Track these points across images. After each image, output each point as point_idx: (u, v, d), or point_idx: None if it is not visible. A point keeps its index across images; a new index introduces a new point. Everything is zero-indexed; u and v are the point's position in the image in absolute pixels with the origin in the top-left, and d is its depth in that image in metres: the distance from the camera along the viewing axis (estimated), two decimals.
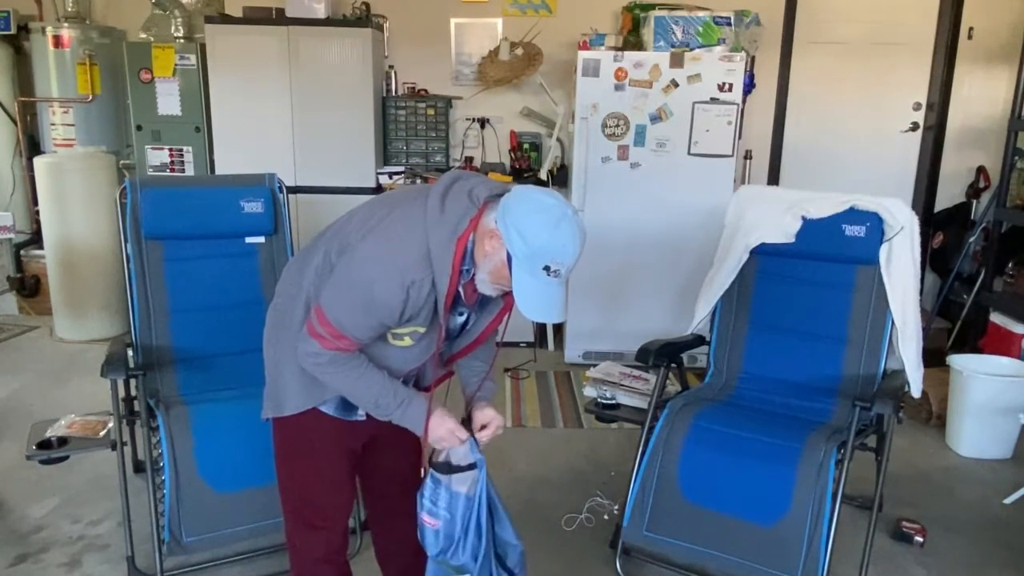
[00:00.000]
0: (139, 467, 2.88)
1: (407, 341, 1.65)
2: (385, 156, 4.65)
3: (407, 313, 1.54)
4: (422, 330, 1.62)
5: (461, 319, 1.71)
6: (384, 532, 2.06)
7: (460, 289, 1.60)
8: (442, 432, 1.69)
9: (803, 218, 2.62)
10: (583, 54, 3.99)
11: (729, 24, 3.98)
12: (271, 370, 1.77)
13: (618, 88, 3.99)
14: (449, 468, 1.75)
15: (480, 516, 1.75)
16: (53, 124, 4.65)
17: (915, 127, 4.97)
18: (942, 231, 4.86)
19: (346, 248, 1.58)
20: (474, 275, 1.58)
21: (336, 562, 1.87)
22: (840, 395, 2.59)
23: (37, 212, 4.64)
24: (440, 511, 1.75)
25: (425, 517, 1.77)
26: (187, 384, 2.62)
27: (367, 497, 2.04)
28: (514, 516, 2.85)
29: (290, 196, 3.03)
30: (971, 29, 4.75)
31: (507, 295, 1.66)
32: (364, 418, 1.76)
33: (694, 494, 2.32)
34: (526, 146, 4.77)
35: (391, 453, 1.91)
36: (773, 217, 2.66)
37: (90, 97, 4.60)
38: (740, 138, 4.13)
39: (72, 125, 4.63)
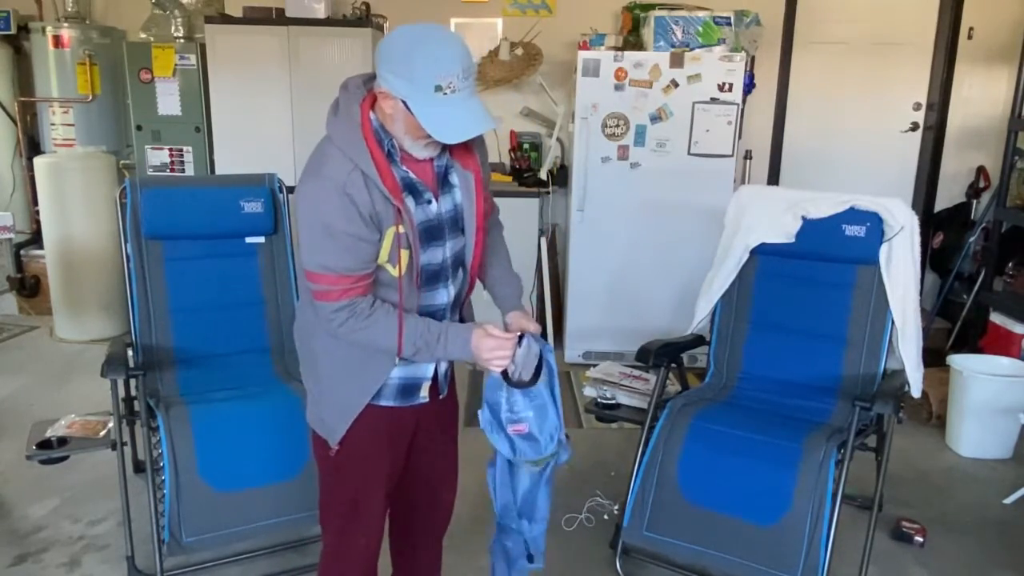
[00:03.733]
0: (139, 467, 2.88)
1: (404, 259, 1.57)
2: None
3: (365, 215, 1.50)
4: (402, 230, 1.55)
5: (433, 207, 1.63)
6: (407, 561, 2.05)
7: (407, 170, 1.58)
8: (491, 344, 1.58)
9: (803, 218, 2.62)
10: (583, 54, 3.99)
11: (729, 24, 3.98)
12: (318, 388, 1.72)
13: (618, 88, 3.99)
14: (525, 384, 1.66)
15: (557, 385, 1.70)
16: (53, 124, 4.64)
17: (915, 127, 4.97)
18: (942, 231, 4.86)
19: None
20: (404, 149, 1.56)
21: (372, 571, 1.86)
22: (840, 395, 2.59)
23: (37, 212, 4.64)
24: (522, 413, 1.68)
25: (511, 429, 1.68)
26: (187, 384, 2.61)
27: (393, 524, 1.98)
28: None
29: (290, 196, 3.03)
30: (971, 29, 4.75)
31: (466, 160, 1.66)
32: (427, 399, 1.74)
33: (694, 494, 2.32)
34: (526, 146, 4.77)
35: (425, 471, 1.90)
36: (773, 217, 2.67)
37: (90, 97, 4.60)
38: (740, 138, 4.13)
39: (72, 125, 4.62)
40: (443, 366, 1.78)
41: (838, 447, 2.25)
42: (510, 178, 4.57)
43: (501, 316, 1.83)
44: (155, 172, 4.60)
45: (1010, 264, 4.23)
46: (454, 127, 1.48)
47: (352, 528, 1.78)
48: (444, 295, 1.70)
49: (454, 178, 1.67)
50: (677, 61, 3.95)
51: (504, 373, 1.64)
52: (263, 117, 4.37)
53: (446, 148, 1.62)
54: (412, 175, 1.60)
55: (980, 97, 4.85)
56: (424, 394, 1.74)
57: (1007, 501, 3.01)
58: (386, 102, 1.51)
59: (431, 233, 1.63)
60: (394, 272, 1.58)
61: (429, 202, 1.62)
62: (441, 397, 1.81)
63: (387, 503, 1.81)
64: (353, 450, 1.70)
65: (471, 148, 1.69)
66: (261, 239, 2.78)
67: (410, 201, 1.58)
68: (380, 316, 1.57)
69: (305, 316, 1.73)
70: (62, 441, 2.68)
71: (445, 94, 1.45)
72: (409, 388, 1.72)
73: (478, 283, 1.83)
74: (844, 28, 4.84)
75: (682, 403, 2.55)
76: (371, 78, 1.57)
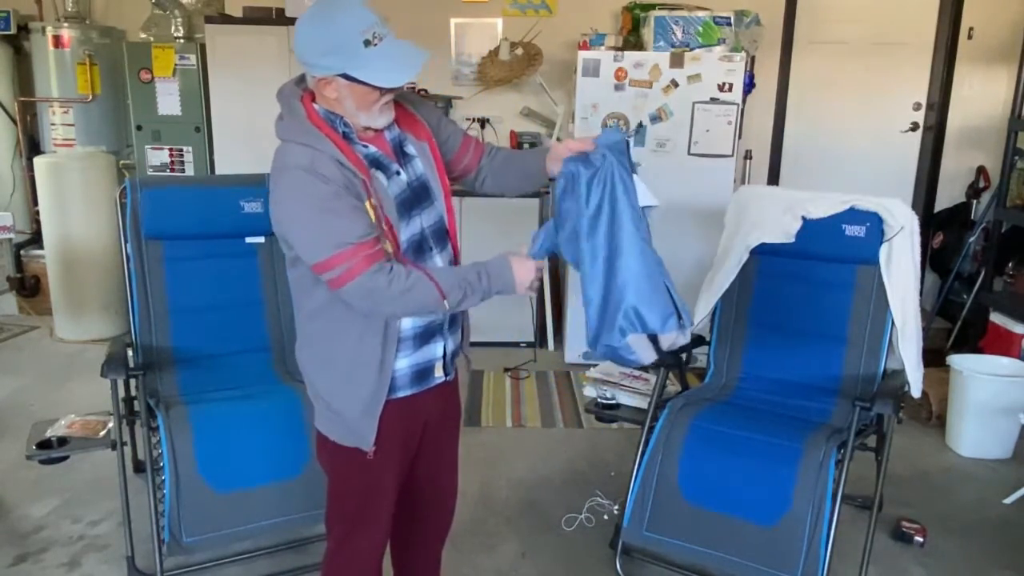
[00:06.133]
0: (139, 467, 2.88)
1: (384, 231, 1.56)
2: None
3: (342, 188, 1.50)
4: (375, 202, 1.55)
5: (403, 177, 1.65)
6: (408, 563, 2.05)
7: (367, 146, 1.60)
8: (533, 275, 1.62)
9: (803, 218, 2.62)
10: (583, 54, 3.99)
11: (729, 24, 3.98)
12: (336, 397, 1.68)
13: (618, 88, 3.99)
14: None
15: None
16: (53, 124, 4.64)
17: (915, 127, 4.97)
18: (942, 231, 4.86)
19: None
20: (360, 129, 1.59)
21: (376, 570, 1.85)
22: (840, 395, 2.59)
23: (37, 212, 4.64)
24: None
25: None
26: (187, 384, 2.61)
27: (396, 526, 1.93)
28: (514, 516, 2.87)
29: None
30: (971, 29, 4.75)
31: (417, 131, 1.68)
32: (442, 378, 1.74)
33: (694, 494, 2.32)
34: (526, 146, 4.77)
35: (429, 469, 1.88)
36: (773, 217, 2.66)
37: (90, 97, 4.60)
38: (740, 138, 4.13)
39: (72, 125, 4.62)
40: (450, 346, 1.77)
41: (838, 447, 2.25)
42: None
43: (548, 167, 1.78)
44: (155, 172, 4.60)
45: (1010, 264, 4.23)
46: (398, 69, 1.51)
47: (359, 530, 1.77)
48: (434, 266, 1.69)
49: (411, 148, 1.69)
50: (677, 61, 3.95)
51: None
52: (263, 117, 4.31)
53: (394, 121, 1.65)
54: (375, 150, 1.62)
55: (980, 97, 4.85)
56: (439, 374, 1.74)
57: (1007, 501, 3.01)
58: (327, 88, 1.54)
59: (407, 204, 1.64)
60: (388, 248, 1.57)
61: (398, 173, 1.64)
62: (449, 378, 1.80)
63: (394, 504, 1.80)
64: (373, 452, 1.69)
65: (417, 118, 1.72)
66: (261, 239, 2.78)
67: (381, 176, 1.60)
68: (419, 272, 1.53)
69: (308, 332, 1.71)
70: (62, 441, 2.68)
71: (375, 45, 1.48)
72: (423, 372, 1.72)
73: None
74: (844, 28, 4.84)
75: (682, 403, 2.55)
76: (302, 79, 1.63)
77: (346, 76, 1.50)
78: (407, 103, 1.72)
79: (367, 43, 1.47)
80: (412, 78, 1.54)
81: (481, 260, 1.61)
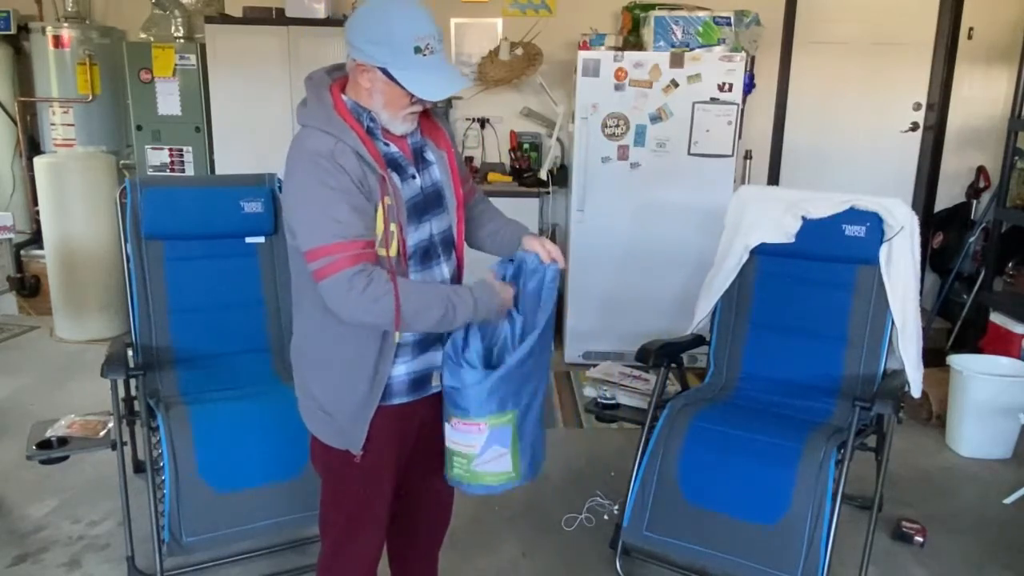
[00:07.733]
0: (139, 467, 2.88)
1: (394, 235, 1.55)
2: None
3: (356, 182, 1.49)
4: (389, 202, 1.54)
5: (417, 181, 1.64)
6: (405, 563, 2.04)
7: (388, 144, 1.59)
8: (511, 298, 1.67)
9: (803, 218, 2.62)
10: (583, 54, 3.99)
11: (729, 24, 3.98)
12: (326, 398, 1.67)
13: (618, 88, 3.99)
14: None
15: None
16: (53, 124, 4.64)
17: (915, 127, 4.97)
18: (942, 231, 4.86)
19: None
20: (384, 128, 1.58)
21: None
22: (840, 395, 2.59)
23: (37, 212, 4.64)
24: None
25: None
26: (187, 384, 2.61)
27: (392, 527, 1.92)
28: (514, 516, 2.87)
29: None
30: (971, 29, 4.75)
31: (438, 139, 1.69)
32: (439, 387, 1.72)
33: (694, 494, 2.32)
34: (526, 146, 4.77)
35: (426, 470, 1.87)
36: (773, 217, 2.67)
37: (90, 97, 4.60)
38: (740, 138, 4.13)
39: (72, 125, 4.62)
40: None
41: (838, 447, 2.25)
42: (510, 178, 4.57)
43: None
44: (155, 172, 4.60)
45: (1010, 264, 4.24)
46: (437, 85, 1.51)
47: (354, 534, 1.76)
48: (439, 274, 1.69)
49: (430, 155, 1.70)
50: (677, 61, 3.95)
51: None
52: (263, 117, 4.37)
53: (418, 126, 1.65)
54: (395, 149, 1.61)
55: (980, 97, 4.85)
56: (437, 383, 1.73)
57: (1007, 501, 3.01)
58: (363, 76, 1.53)
59: (418, 208, 1.64)
60: (388, 253, 1.55)
61: (413, 177, 1.64)
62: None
63: (389, 508, 1.79)
64: (364, 456, 1.68)
65: (440, 127, 1.72)
66: (261, 239, 2.78)
67: (395, 177, 1.59)
68: (401, 281, 1.52)
69: (304, 329, 1.70)
70: (62, 441, 2.68)
71: (424, 55, 1.48)
72: (420, 380, 1.71)
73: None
74: (844, 28, 4.84)
75: (682, 403, 2.55)
76: (334, 68, 1.62)
77: (386, 72, 1.50)
78: (432, 112, 1.73)
79: (417, 50, 1.48)
80: (446, 96, 1.55)
81: (473, 283, 1.65)
